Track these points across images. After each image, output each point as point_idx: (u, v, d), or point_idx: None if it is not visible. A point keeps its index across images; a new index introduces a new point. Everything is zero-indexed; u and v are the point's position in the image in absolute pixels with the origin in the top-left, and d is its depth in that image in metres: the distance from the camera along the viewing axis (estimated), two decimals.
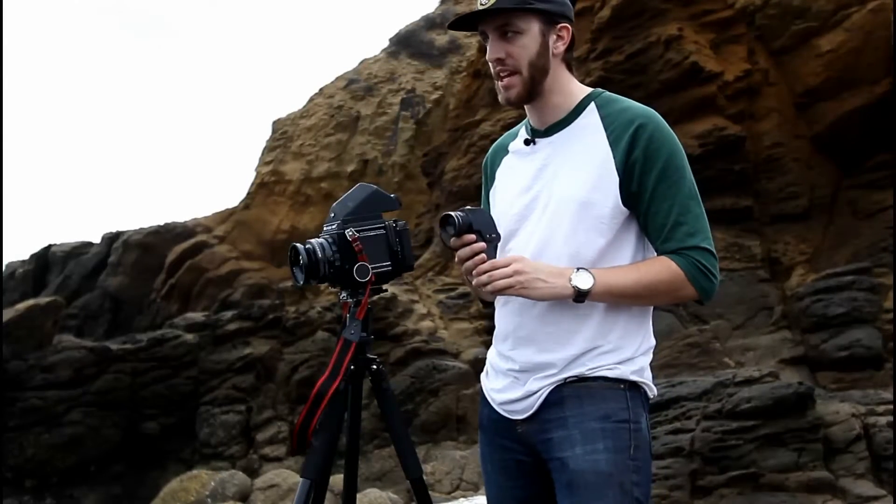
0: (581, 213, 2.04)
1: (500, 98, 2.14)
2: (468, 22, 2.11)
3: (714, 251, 2.05)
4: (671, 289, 2.02)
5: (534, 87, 2.09)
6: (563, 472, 2.04)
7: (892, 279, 12.37)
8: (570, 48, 2.14)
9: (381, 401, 2.24)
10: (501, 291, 2.01)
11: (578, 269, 1.99)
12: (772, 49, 15.46)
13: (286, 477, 9.99)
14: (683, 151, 2.08)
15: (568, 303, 2.02)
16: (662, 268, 2.01)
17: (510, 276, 1.97)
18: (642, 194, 2.03)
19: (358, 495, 2.51)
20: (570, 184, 2.06)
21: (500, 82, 2.10)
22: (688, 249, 2.01)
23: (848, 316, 12.02)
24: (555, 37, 2.10)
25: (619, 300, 2.04)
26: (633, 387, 2.09)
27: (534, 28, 2.06)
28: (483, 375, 2.28)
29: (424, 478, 2.29)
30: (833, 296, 12.27)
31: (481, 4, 2.05)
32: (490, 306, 2.30)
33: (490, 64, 2.12)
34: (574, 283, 1.98)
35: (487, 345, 2.31)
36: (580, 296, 1.99)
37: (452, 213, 1.95)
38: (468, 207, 2.00)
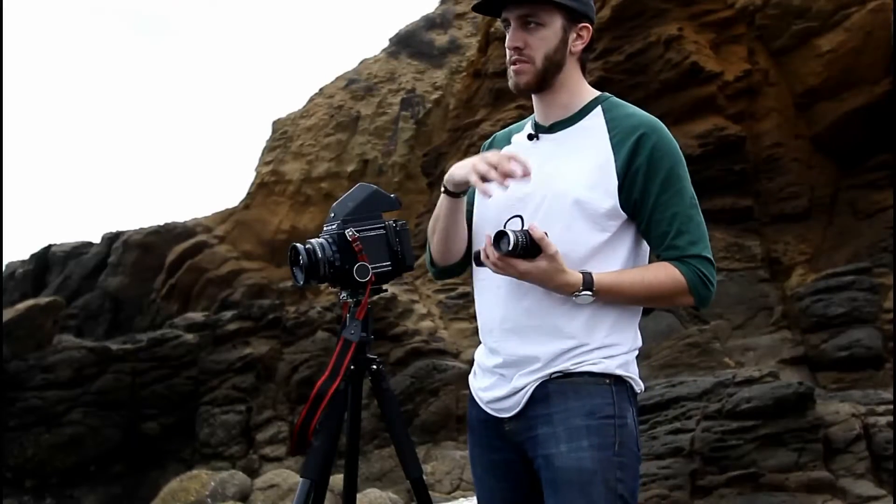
0: (576, 211, 2.04)
1: (510, 83, 2.15)
2: (493, 6, 2.11)
3: (713, 260, 2.08)
4: (670, 295, 2.06)
5: (545, 80, 2.10)
6: (548, 470, 2.04)
7: (892, 279, 12.37)
8: (587, 49, 2.16)
9: (381, 401, 2.24)
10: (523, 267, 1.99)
11: (583, 287, 1.98)
12: (772, 49, 15.46)
13: (286, 477, 9.98)
14: (684, 161, 2.10)
15: (557, 297, 2.03)
16: (665, 275, 2.03)
17: (522, 272, 1.97)
18: (645, 202, 2.05)
19: (358, 495, 2.51)
20: (568, 181, 2.07)
21: (511, 68, 2.12)
22: (690, 258, 2.04)
23: (848, 316, 12.02)
24: (574, 35, 2.11)
25: (616, 302, 2.06)
26: (619, 381, 2.09)
27: (556, 23, 2.08)
28: (471, 376, 2.28)
29: (424, 478, 2.29)
30: (833, 296, 12.27)
31: None
32: (445, 272, 2.31)
33: (507, 50, 2.13)
34: (576, 300, 2.01)
35: None
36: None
37: (509, 232, 1.93)
38: (522, 228, 1.99)
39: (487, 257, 1.97)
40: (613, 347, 2.08)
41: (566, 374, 2.06)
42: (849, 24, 14.52)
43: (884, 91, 14.15)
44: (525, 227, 1.96)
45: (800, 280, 13.61)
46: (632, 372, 2.12)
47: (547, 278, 1.96)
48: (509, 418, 2.11)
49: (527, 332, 2.08)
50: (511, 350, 2.09)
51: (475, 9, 2.16)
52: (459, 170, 2.06)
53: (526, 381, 2.07)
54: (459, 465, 11.37)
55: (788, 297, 13.27)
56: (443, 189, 2.14)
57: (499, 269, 1.97)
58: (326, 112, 33.33)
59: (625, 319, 2.11)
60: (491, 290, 2.14)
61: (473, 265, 2.14)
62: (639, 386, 2.14)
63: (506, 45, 2.13)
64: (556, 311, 2.05)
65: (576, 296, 1.98)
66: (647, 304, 2.11)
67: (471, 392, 2.26)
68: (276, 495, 9.52)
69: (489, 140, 2.36)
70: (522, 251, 1.93)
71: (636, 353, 2.15)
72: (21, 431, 15.36)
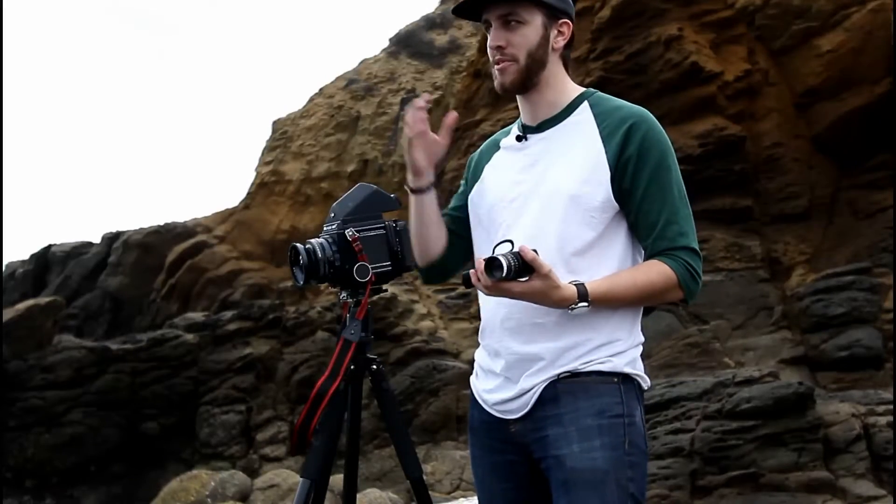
0: (572, 206, 2.04)
1: (496, 83, 2.14)
2: (471, 9, 2.12)
3: (699, 252, 2.08)
4: (662, 293, 2.05)
5: (529, 78, 2.11)
6: (560, 471, 2.03)
7: (892, 279, 12.37)
8: (568, 45, 2.17)
9: (381, 401, 2.24)
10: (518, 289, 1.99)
11: (578, 300, 1.96)
12: (772, 49, 15.46)
13: (286, 477, 9.98)
14: (674, 152, 2.10)
15: None
16: (657, 274, 2.03)
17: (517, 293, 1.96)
18: (634, 192, 2.04)
19: (358, 495, 2.51)
20: (562, 177, 2.07)
21: (494, 68, 2.12)
22: (678, 250, 2.04)
23: (848, 316, 12.02)
24: (556, 32, 2.12)
25: (611, 307, 2.06)
26: (627, 379, 2.08)
27: (537, 20, 2.08)
28: (472, 377, 2.27)
29: (424, 478, 2.29)
30: (833, 296, 12.27)
31: None
32: (429, 273, 2.32)
33: (490, 52, 2.12)
34: (572, 313, 1.99)
35: None
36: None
37: (500, 257, 1.90)
38: (512, 250, 1.94)
39: (479, 281, 1.93)
40: (618, 343, 2.08)
41: (574, 374, 2.05)
42: (849, 24, 14.52)
43: (884, 91, 14.14)
44: (515, 249, 1.92)
45: (800, 280, 13.60)
46: (638, 369, 2.11)
47: (542, 296, 1.94)
48: (515, 419, 2.11)
49: (529, 331, 2.07)
50: (514, 349, 2.08)
51: (455, 12, 2.15)
52: (408, 160, 2.16)
53: (533, 381, 2.06)
54: (459, 465, 11.37)
55: (788, 297, 13.27)
56: (407, 188, 2.20)
57: (492, 293, 1.95)
58: (326, 112, 33.33)
59: (629, 315, 2.11)
60: None
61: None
62: (646, 383, 2.14)
63: (488, 46, 2.12)
64: (558, 309, 2.04)
65: (572, 309, 1.97)
66: (639, 304, 2.10)
67: (472, 393, 2.25)
68: (276, 495, 9.52)
69: (477, 150, 2.37)
70: (515, 274, 1.91)
71: (640, 347, 2.14)
72: (21, 431, 15.37)
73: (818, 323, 12.21)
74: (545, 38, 2.10)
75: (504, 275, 1.89)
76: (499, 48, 2.08)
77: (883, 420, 8.53)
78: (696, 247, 2.06)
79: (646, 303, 2.10)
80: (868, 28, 14.31)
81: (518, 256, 1.90)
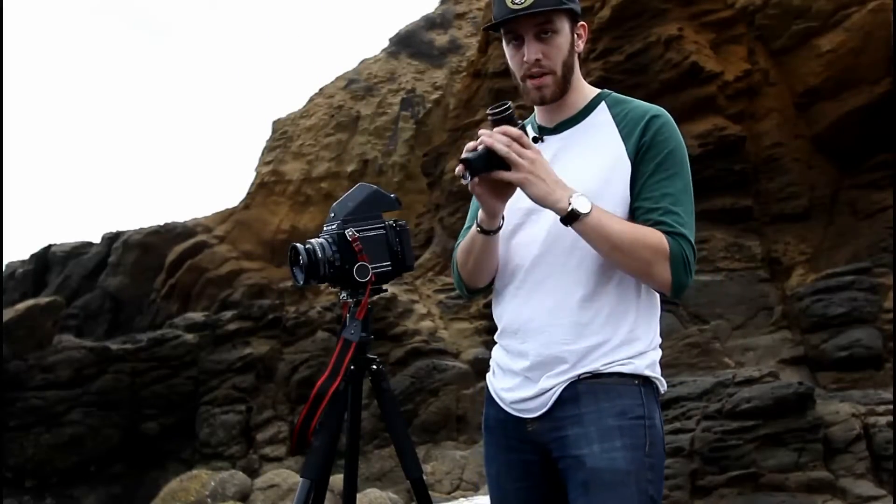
0: None
1: (528, 98, 2.12)
2: (499, 24, 2.08)
3: (696, 250, 2.02)
4: (651, 258, 1.95)
5: (565, 86, 2.10)
6: (579, 471, 2.02)
7: (892, 279, 12.37)
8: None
9: (381, 401, 2.23)
10: (503, 177, 1.96)
11: (580, 193, 1.94)
12: (772, 49, 15.46)
13: (286, 477, 9.99)
14: (686, 152, 2.08)
15: (579, 295, 2.03)
16: (652, 234, 1.96)
17: (524, 160, 1.93)
18: (637, 179, 2.02)
19: (358, 495, 2.50)
20: (583, 176, 2.04)
21: (530, 82, 2.08)
22: (676, 235, 1.98)
23: (848, 316, 12.02)
24: (576, 35, 2.11)
25: (599, 243, 1.96)
26: (647, 382, 2.08)
27: (566, 27, 2.07)
28: (489, 375, 2.26)
29: (424, 478, 2.29)
30: (833, 296, 12.27)
31: (515, 4, 2.02)
32: (474, 293, 2.28)
33: (519, 65, 2.08)
34: (573, 203, 1.92)
35: (487, 344, 2.29)
36: (570, 218, 1.93)
37: (471, 157, 1.93)
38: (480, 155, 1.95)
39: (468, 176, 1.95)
40: (638, 343, 2.07)
41: (595, 375, 2.04)
42: (849, 24, 14.53)
43: (884, 91, 14.15)
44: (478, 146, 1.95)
45: (800, 280, 13.61)
46: (657, 372, 2.10)
47: (544, 172, 1.93)
48: (533, 419, 2.10)
49: (552, 332, 2.06)
50: (538, 351, 2.08)
51: (487, 31, 2.14)
52: (484, 205, 2.07)
53: (554, 382, 2.06)
54: (459, 465, 11.37)
55: (788, 297, 13.27)
56: (477, 229, 2.11)
57: (488, 182, 1.95)
58: (326, 112, 33.35)
59: (647, 314, 2.10)
60: (510, 291, 2.14)
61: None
62: (663, 386, 2.13)
63: (520, 59, 2.08)
64: (578, 308, 2.04)
65: (573, 199, 1.92)
66: (628, 257, 1.97)
67: (489, 391, 2.24)
68: (276, 495, 9.52)
69: None
70: (491, 162, 1.93)
71: (659, 350, 2.13)
72: (21, 431, 15.37)
73: (818, 323, 12.21)
74: (573, 44, 2.09)
75: (473, 156, 1.92)
76: (536, 62, 2.05)
77: (883, 420, 8.53)
78: (694, 243, 2.00)
79: (632, 261, 1.97)
80: (868, 28, 14.31)
81: (483, 147, 1.94)
